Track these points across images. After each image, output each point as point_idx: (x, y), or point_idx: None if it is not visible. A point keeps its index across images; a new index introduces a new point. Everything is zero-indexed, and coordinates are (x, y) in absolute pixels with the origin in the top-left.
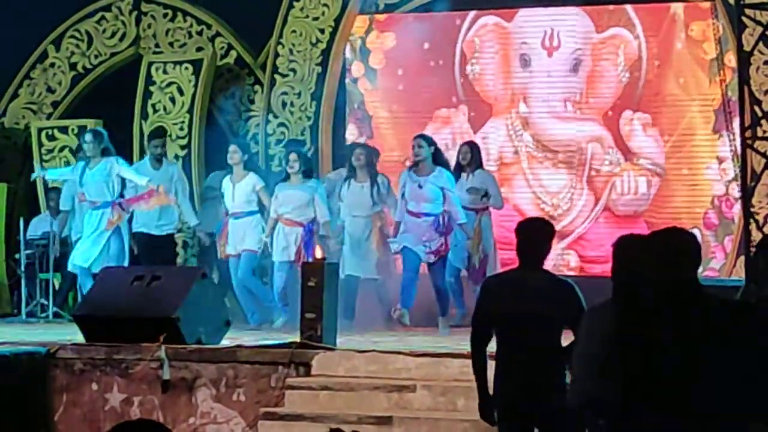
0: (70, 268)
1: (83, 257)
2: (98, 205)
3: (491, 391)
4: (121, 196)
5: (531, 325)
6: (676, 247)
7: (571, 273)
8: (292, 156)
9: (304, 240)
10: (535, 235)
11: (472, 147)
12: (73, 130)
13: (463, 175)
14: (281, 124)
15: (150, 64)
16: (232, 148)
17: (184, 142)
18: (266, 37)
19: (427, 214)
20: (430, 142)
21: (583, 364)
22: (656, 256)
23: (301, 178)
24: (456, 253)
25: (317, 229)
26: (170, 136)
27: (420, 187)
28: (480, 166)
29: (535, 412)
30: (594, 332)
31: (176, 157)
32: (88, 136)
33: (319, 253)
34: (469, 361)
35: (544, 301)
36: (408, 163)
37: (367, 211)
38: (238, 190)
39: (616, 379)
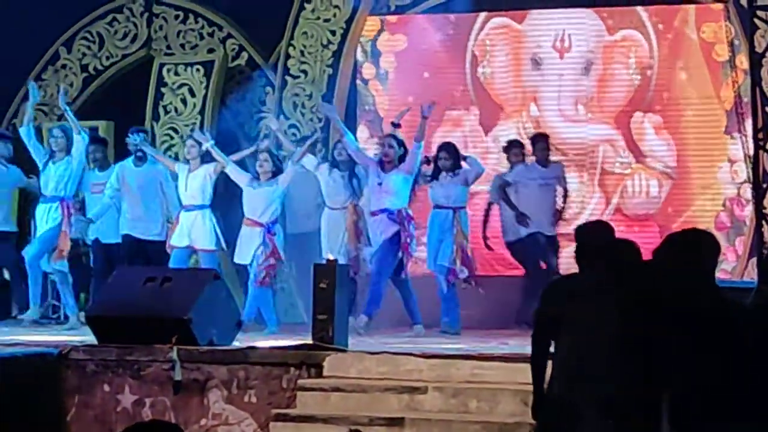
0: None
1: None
2: (48, 198)
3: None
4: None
5: None
6: (686, 247)
7: None
8: (263, 156)
9: (264, 241)
10: (596, 238)
11: (447, 149)
12: (84, 131)
13: (441, 175)
14: (292, 125)
15: (161, 65)
16: (189, 142)
17: None
18: (277, 38)
19: (384, 210)
20: (401, 143)
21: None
22: (669, 256)
23: (269, 177)
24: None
25: (275, 232)
26: (182, 137)
27: (380, 185)
28: (458, 165)
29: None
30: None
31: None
32: (56, 131)
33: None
34: (480, 363)
35: None
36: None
37: (344, 201)
38: (192, 180)
39: (620, 378)
